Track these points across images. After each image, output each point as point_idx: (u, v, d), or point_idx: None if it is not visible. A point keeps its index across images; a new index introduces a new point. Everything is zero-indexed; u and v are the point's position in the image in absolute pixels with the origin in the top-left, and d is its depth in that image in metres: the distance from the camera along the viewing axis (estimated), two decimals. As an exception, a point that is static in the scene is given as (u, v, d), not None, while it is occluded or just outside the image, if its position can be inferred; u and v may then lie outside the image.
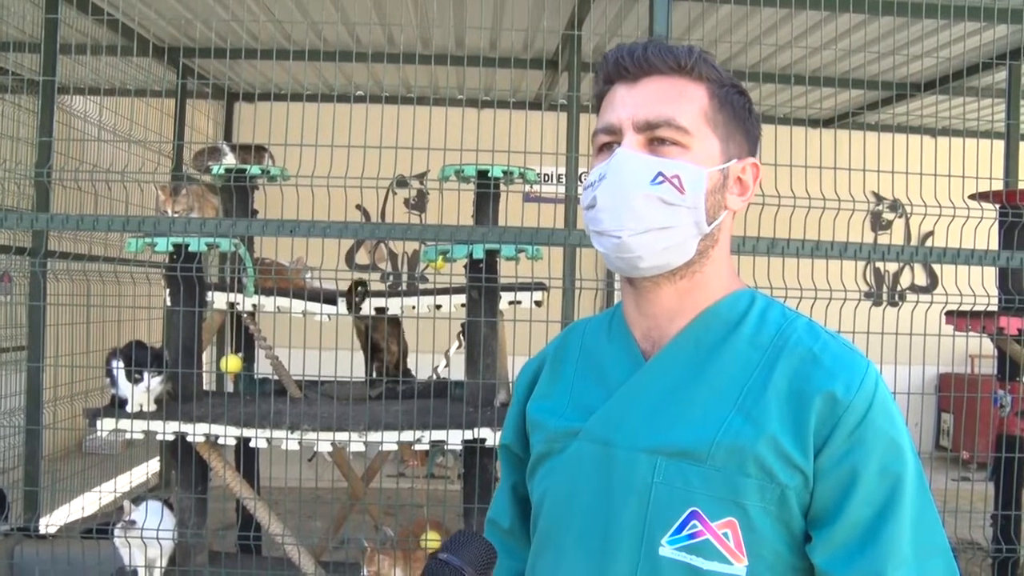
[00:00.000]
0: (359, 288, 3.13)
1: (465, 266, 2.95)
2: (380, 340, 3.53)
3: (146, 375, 2.80)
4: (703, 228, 1.02)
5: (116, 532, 2.78)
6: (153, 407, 2.85)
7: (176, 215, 3.02)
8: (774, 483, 0.95)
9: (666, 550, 0.97)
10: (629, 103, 1.03)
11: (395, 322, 3.54)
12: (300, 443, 2.77)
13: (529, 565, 1.14)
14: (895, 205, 6.99)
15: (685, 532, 0.97)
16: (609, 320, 1.15)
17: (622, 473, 1.02)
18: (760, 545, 0.96)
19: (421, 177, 6.74)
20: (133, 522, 2.76)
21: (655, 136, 1.01)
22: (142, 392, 2.81)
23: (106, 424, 2.82)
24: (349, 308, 3.12)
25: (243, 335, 3.71)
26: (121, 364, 2.80)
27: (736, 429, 0.97)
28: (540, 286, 3.11)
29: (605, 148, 1.05)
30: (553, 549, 1.08)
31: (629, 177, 1.01)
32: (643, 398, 1.04)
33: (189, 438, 2.79)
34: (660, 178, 1.00)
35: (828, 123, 6.35)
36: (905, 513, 0.95)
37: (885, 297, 7.05)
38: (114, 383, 2.85)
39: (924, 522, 0.96)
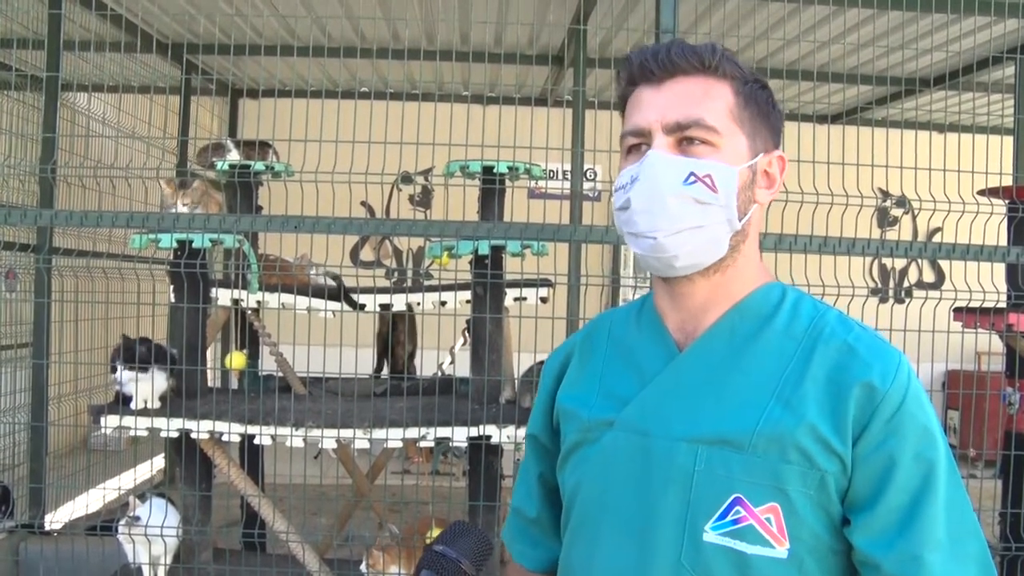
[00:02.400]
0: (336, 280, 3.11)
1: (470, 262, 2.94)
2: (400, 338, 3.54)
3: (151, 371, 2.79)
4: (735, 225, 1.05)
5: (120, 528, 2.77)
6: (157, 404, 2.84)
7: (186, 206, 3.01)
8: (814, 469, 0.98)
9: (710, 536, 1.00)
10: (656, 105, 1.05)
11: (413, 319, 3.55)
12: (305, 440, 2.76)
13: (563, 555, 1.15)
14: (902, 201, 6.97)
15: (729, 518, 0.99)
16: (638, 311, 1.17)
17: (661, 462, 1.04)
18: (801, 529, 0.99)
19: (426, 173, 6.73)
20: (137, 518, 2.75)
21: (684, 136, 1.04)
22: (146, 387, 2.80)
23: (110, 421, 2.81)
24: (353, 306, 3.12)
25: (247, 332, 3.70)
26: (119, 363, 2.80)
27: (776, 418, 1.00)
28: (546, 282, 3.10)
29: (634, 150, 1.07)
30: (588, 538, 1.10)
31: (662, 179, 1.03)
32: (679, 388, 1.06)
33: (193, 435, 2.79)
34: (692, 178, 1.02)
35: (836, 119, 6.32)
36: (939, 498, 0.98)
37: (892, 293, 7.02)
38: (119, 380, 2.84)
39: (956, 506, 0.99)
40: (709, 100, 1.04)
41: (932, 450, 0.99)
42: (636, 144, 1.06)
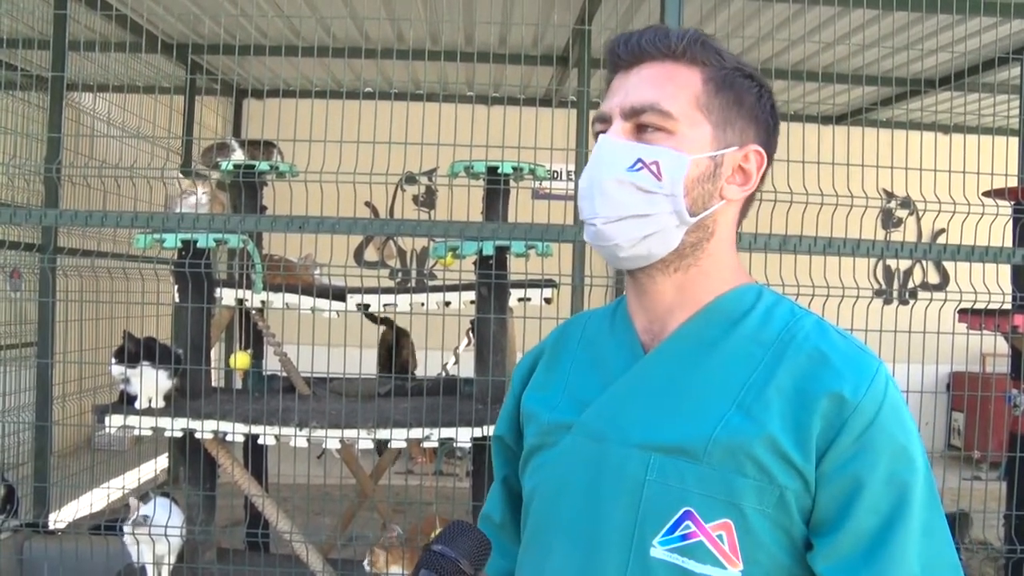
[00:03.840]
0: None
1: (475, 263, 2.94)
2: (403, 354, 3.56)
3: (155, 370, 2.79)
4: (685, 218, 0.98)
5: (127, 529, 2.77)
6: (162, 404, 2.85)
7: (205, 194, 3.01)
8: (773, 485, 0.91)
9: (657, 551, 0.93)
10: (620, 91, 1.01)
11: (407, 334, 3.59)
12: (309, 440, 2.76)
13: (518, 562, 1.10)
14: (907, 202, 6.96)
15: (678, 532, 0.93)
16: (612, 312, 1.12)
17: (614, 469, 0.98)
18: (756, 550, 0.91)
19: (430, 173, 6.74)
20: (147, 517, 2.75)
21: (640, 122, 0.99)
22: (150, 386, 2.80)
23: (115, 420, 2.82)
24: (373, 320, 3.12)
25: (252, 332, 3.70)
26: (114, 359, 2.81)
27: (734, 426, 0.93)
28: (550, 283, 3.09)
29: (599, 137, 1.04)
30: (540, 546, 1.05)
31: (606, 163, 0.99)
32: (639, 392, 1.01)
33: (197, 435, 2.79)
34: (639, 164, 0.97)
35: (840, 119, 6.32)
36: (913, 524, 0.90)
37: (896, 295, 7.00)
38: (123, 375, 2.84)
39: (933, 535, 0.92)
40: (670, 85, 0.98)
41: (908, 471, 0.91)
42: (602, 131, 1.03)
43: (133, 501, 2.83)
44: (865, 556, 0.90)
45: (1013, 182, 3.41)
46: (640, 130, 0.99)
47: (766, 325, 1.00)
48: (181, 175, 3.09)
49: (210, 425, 2.76)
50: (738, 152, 1.01)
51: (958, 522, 3.79)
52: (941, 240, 5.84)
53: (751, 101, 1.02)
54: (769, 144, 1.04)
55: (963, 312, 3.41)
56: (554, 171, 6.83)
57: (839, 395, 0.91)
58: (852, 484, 0.90)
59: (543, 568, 1.03)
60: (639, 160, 0.97)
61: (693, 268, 1.01)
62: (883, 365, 0.95)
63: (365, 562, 2.87)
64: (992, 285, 2.90)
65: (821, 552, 0.91)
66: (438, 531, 3.12)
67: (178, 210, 2.96)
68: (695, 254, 1.01)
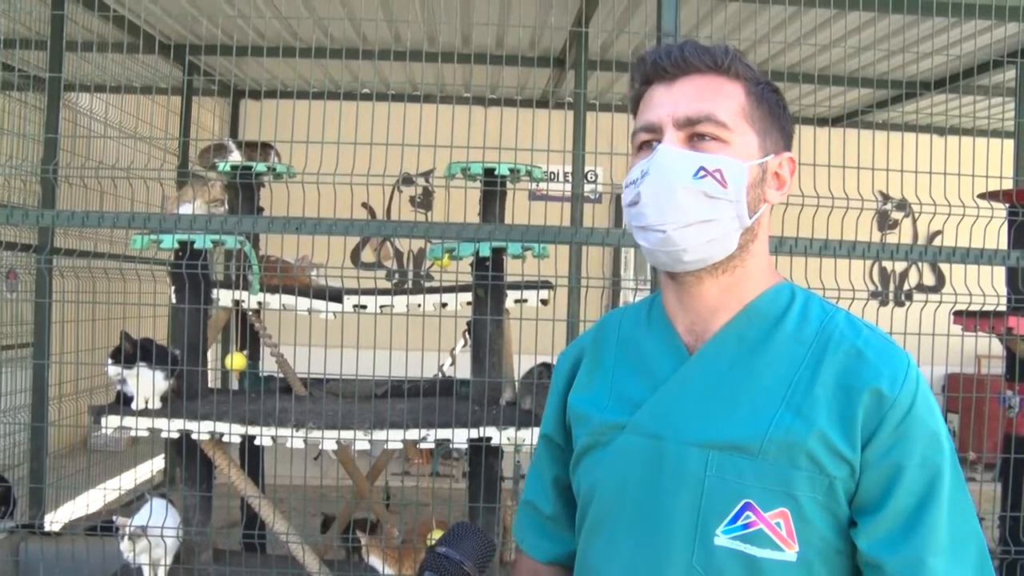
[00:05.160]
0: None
1: (471, 264, 2.94)
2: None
3: (151, 370, 2.79)
4: (745, 221, 1.05)
5: (123, 546, 2.76)
6: (158, 404, 2.85)
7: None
8: (823, 475, 0.99)
9: (721, 539, 1.01)
10: (668, 101, 1.06)
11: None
12: (305, 441, 2.76)
13: (580, 554, 1.17)
14: (902, 204, 6.98)
15: (739, 522, 1.01)
16: (647, 311, 1.18)
17: (673, 466, 1.05)
18: (809, 532, 1.00)
19: (427, 175, 6.74)
20: (143, 527, 2.74)
21: (695, 132, 1.05)
22: (146, 386, 2.80)
23: (111, 421, 2.81)
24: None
25: (248, 333, 3.70)
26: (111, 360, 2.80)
27: (787, 425, 1.01)
28: (546, 284, 3.10)
29: (645, 146, 1.08)
30: (605, 537, 1.11)
31: (672, 172, 1.03)
32: (690, 392, 1.07)
33: (194, 436, 2.79)
34: (702, 172, 1.03)
35: (836, 121, 6.33)
36: (943, 502, 0.99)
37: (892, 296, 7.02)
38: (119, 375, 2.84)
39: (959, 509, 1.01)
40: (721, 97, 1.05)
41: (939, 455, 1.01)
42: (647, 140, 1.07)
43: (120, 519, 2.80)
44: (903, 531, 0.99)
45: (1008, 184, 3.42)
46: (694, 139, 1.05)
47: (804, 323, 1.08)
48: (195, 187, 3.09)
49: (207, 426, 2.76)
50: (775, 159, 1.10)
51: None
52: (937, 242, 5.85)
53: (779, 112, 1.11)
54: (790, 148, 1.14)
55: (958, 314, 3.42)
56: (551, 172, 6.83)
57: (879, 390, 1.00)
58: (893, 470, 0.99)
59: (611, 557, 1.10)
60: (702, 168, 1.03)
61: (739, 269, 1.08)
62: (911, 358, 1.04)
63: (368, 558, 2.87)
64: (987, 287, 2.91)
65: (864, 530, 1.00)
66: (435, 533, 3.13)
67: (174, 211, 2.97)
68: (742, 255, 1.08)
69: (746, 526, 1.00)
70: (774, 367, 1.05)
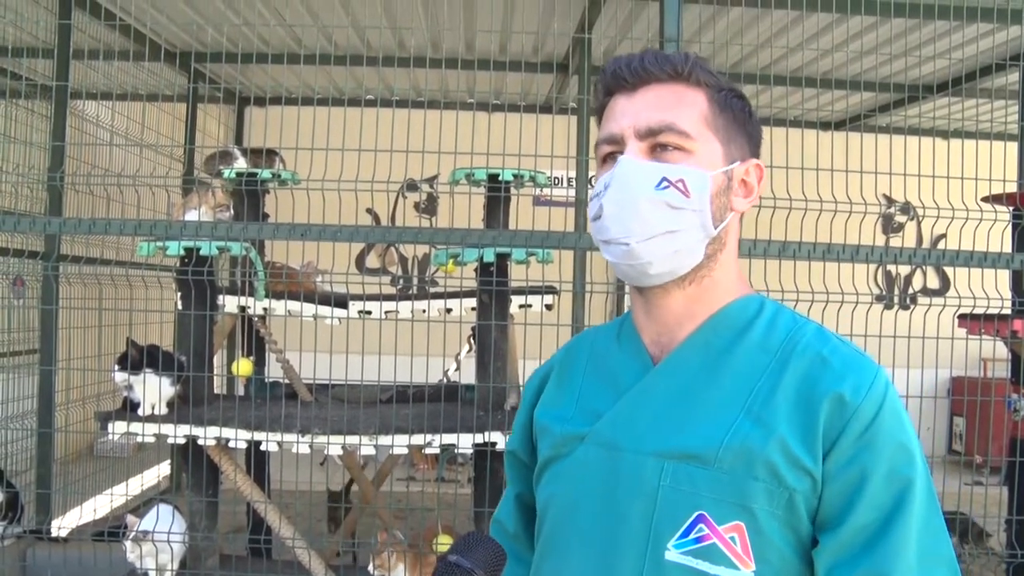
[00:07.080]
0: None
1: (476, 270, 2.95)
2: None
3: (158, 377, 2.81)
4: (710, 231, 1.03)
5: (128, 546, 2.77)
6: (165, 410, 2.86)
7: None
8: (782, 487, 0.95)
9: (672, 554, 0.97)
10: (629, 112, 1.03)
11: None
12: (311, 447, 2.77)
13: (533, 569, 1.13)
14: (907, 207, 6.98)
15: (692, 536, 0.96)
16: (619, 328, 1.15)
17: (628, 476, 1.01)
18: (767, 550, 0.95)
19: (431, 181, 6.75)
20: (146, 532, 2.75)
21: (657, 142, 1.02)
22: (152, 393, 2.82)
23: (117, 427, 2.83)
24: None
25: (254, 339, 3.71)
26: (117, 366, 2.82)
27: (745, 432, 0.97)
28: (551, 289, 3.11)
29: (609, 159, 1.06)
30: (557, 553, 1.08)
31: (634, 184, 1.01)
32: (651, 402, 1.04)
33: (200, 441, 2.80)
34: (665, 183, 1.00)
35: (839, 125, 6.33)
36: (912, 519, 0.93)
37: (896, 300, 7.01)
38: (127, 386, 2.86)
39: (930, 529, 0.95)
40: (682, 106, 1.02)
41: (908, 468, 0.95)
42: (611, 152, 1.05)
43: (131, 518, 2.82)
44: (865, 547, 0.93)
45: (1012, 187, 3.42)
46: (656, 149, 1.02)
47: (771, 333, 1.04)
48: (201, 194, 3.11)
49: (213, 432, 2.77)
50: (741, 166, 1.06)
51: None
52: (941, 245, 5.85)
53: (744, 118, 1.07)
54: (758, 155, 1.10)
55: (963, 317, 3.42)
56: (555, 178, 6.84)
57: (840, 397, 0.95)
58: (855, 481, 0.94)
59: (561, 573, 1.06)
60: (664, 179, 1.00)
61: (707, 279, 1.05)
62: (882, 369, 0.99)
63: (370, 567, 2.87)
64: (992, 290, 2.92)
65: (825, 548, 0.95)
66: (440, 538, 3.13)
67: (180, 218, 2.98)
68: (709, 265, 1.05)
69: (699, 539, 0.96)
70: (737, 376, 1.01)
